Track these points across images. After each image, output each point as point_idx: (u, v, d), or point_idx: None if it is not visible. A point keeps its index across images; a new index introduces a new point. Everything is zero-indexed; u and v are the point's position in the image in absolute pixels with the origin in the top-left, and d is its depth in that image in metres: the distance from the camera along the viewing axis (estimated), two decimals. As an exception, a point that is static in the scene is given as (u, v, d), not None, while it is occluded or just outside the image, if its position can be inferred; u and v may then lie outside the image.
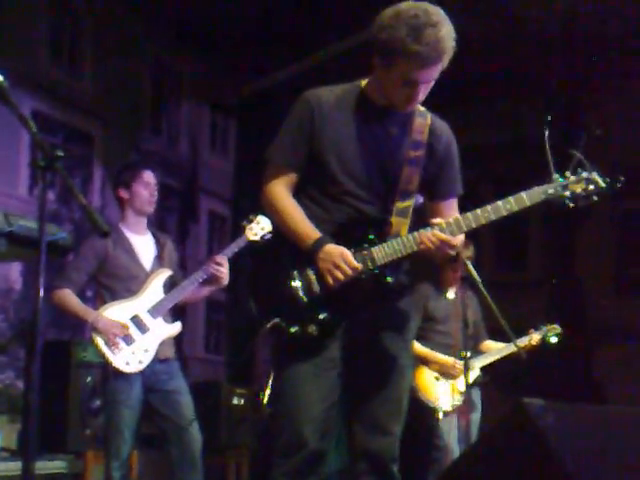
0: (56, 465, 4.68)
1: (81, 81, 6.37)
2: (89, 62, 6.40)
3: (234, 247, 4.21)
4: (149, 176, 4.26)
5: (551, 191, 2.61)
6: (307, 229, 2.63)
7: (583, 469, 2.01)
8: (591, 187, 2.62)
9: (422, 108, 2.77)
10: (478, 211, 2.60)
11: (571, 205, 2.62)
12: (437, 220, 2.60)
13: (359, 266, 2.57)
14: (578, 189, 2.62)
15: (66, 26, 6.29)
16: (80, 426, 4.84)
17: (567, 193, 2.62)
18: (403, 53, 2.49)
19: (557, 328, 5.05)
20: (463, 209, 2.72)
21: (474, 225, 2.59)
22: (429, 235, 2.56)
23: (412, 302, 2.84)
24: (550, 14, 6.28)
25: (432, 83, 2.62)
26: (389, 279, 2.63)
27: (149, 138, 7.09)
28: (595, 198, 2.63)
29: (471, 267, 4.42)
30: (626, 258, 7.90)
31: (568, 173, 2.63)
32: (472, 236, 4.84)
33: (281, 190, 2.70)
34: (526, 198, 2.59)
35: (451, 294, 5.07)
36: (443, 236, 2.55)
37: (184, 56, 7.39)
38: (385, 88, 2.65)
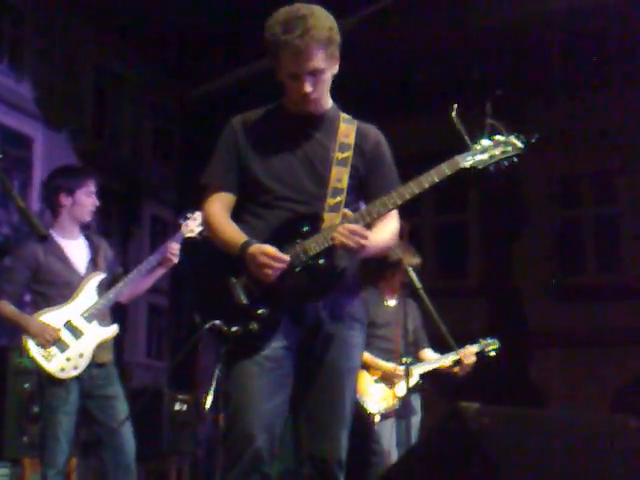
0: (-7, 472, 4.62)
1: (21, 83, 6.27)
2: (30, 63, 6.31)
3: (169, 244, 4.20)
4: (93, 184, 4.18)
5: (470, 158, 2.64)
6: (235, 237, 2.69)
7: (516, 470, 2.06)
8: (509, 149, 2.66)
9: (348, 116, 2.85)
10: (400, 188, 2.65)
11: (491, 169, 2.65)
12: (344, 210, 2.67)
13: (286, 257, 2.61)
14: (497, 152, 2.66)
15: (6, 26, 6.20)
16: (18, 433, 4.78)
17: (486, 157, 2.65)
18: (277, 46, 2.63)
19: (495, 343, 5.04)
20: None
21: (399, 202, 2.63)
22: (339, 228, 2.60)
23: (359, 304, 2.83)
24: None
25: (325, 77, 2.69)
26: (321, 261, 2.66)
27: (91, 141, 7.01)
28: (515, 160, 2.66)
29: (412, 274, 4.46)
30: (562, 266, 8.08)
31: (484, 140, 2.66)
32: (413, 244, 4.95)
33: (215, 208, 2.79)
34: (445, 168, 2.62)
35: (392, 302, 5.09)
36: (350, 226, 2.58)
37: (127, 60, 7.34)
38: (286, 90, 2.75)
